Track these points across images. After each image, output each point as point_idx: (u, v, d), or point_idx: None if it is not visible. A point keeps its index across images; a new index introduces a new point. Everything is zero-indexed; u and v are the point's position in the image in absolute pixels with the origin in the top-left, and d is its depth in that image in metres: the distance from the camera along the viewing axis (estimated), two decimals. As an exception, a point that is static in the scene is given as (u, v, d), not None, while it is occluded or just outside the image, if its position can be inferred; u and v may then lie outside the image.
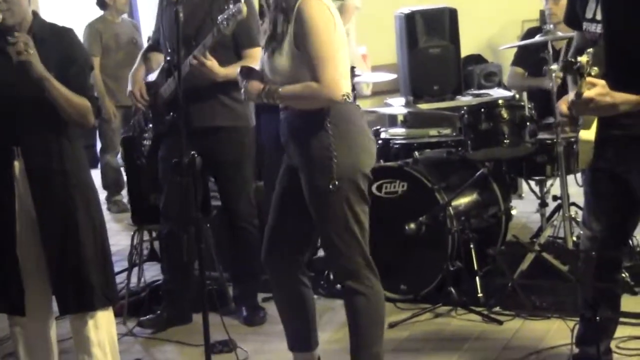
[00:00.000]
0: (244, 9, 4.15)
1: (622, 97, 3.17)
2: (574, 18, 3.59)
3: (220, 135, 4.73)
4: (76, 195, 3.89)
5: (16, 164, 3.84)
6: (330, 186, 3.61)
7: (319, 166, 3.63)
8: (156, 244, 5.97)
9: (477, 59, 8.93)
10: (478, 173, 5.22)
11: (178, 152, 3.69)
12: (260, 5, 5.50)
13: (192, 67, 4.51)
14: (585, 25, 3.48)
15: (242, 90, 3.76)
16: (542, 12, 8.81)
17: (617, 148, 3.43)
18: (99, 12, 8.05)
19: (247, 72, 3.77)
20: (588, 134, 3.35)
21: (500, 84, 7.75)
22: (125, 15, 8.43)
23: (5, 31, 3.71)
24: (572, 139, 5.21)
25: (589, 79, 3.06)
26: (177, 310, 5.02)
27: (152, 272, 5.88)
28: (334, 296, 5.20)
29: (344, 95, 3.62)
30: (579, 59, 3.01)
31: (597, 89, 3.11)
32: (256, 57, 4.46)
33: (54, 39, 3.83)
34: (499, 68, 8.47)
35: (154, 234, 5.80)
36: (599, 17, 3.39)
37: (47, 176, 3.86)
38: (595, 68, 3.04)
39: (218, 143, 4.74)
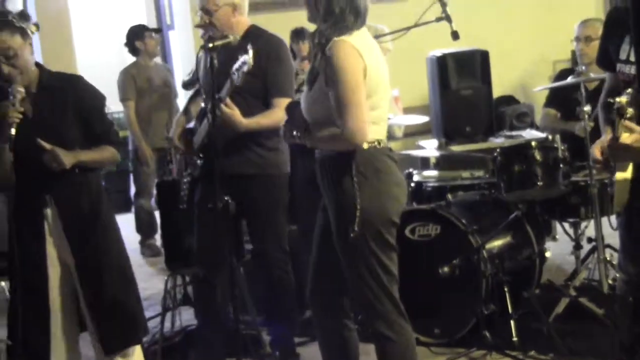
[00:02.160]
0: (250, 60, 4.15)
1: None
2: (606, 59, 3.58)
3: (251, 182, 4.70)
4: (107, 235, 3.96)
5: (48, 211, 3.90)
6: (352, 233, 3.60)
7: (343, 211, 3.65)
8: (190, 288, 5.97)
9: (509, 100, 8.94)
10: (512, 216, 5.19)
11: (211, 197, 3.70)
12: (291, 49, 5.55)
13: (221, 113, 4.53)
14: (619, 66, 3.48)
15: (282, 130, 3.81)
16: (573, 53, 8.81)
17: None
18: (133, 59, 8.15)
19: (292, 108, 3.80)
20: (624, 175, 3.33)
21: (532, 125, 7.72)
22: (158, 59, 8.52)
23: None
24: (606, 181, 5.18)
25: (626, 122, 3.03)
26: (211, 355, 5.00)
27: (186, 316, 5.87)
28: (368, 340, 5.15)
29: (372, 141, 3.63)
30: (618, 99, 2.99)
31: (635, 135, 3.08)
32: (283, 108, 4.45)
33: (66, 87, 3.93)
34: (530, 109, 8.46)
35: (187, 279, 5.81)
36: (633, 58, 3.38)
37: (80, 220, 3.93)
38: (631, 109, 3.03)
39: (250, 190, 4.72)
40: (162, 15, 11.01)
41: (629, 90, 3.04)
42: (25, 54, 3.89)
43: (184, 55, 9.92)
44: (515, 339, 4.91)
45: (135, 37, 8.05)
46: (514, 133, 6.88)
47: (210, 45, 3.98)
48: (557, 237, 6.68)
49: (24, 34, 3.92)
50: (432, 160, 6.47)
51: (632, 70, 3.40)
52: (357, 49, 3.58)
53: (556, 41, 9.89)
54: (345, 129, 3.56)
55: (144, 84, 7.98)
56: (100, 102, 4.06)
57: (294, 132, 3.76)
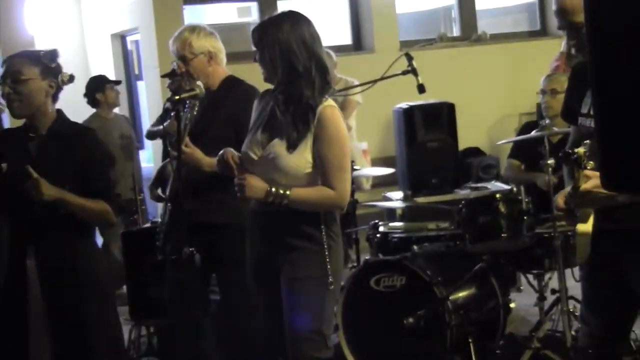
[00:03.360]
0: (188, 113, 4.19)
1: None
2: (570, 112, 3.64)
3: (220, 232, 4.67)
4: (87, 294, 3.89)
5: (28, 262, 3.86)
6: (330, 287, 3.66)
7: (314, 264, 3.69)
8: (155, 339, 5.93)
9: (475, 152, 9.01)
10: (477, 267, 5.22)
11: (179, 247, 3.69)
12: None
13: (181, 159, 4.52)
14: (580, 120, 3.53)
15: (239, 186, 3.70)
16: (538, 105, 8.93)
17: (613, 242, 3.44)
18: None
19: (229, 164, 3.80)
20: (585, 227, 3.37)
21: (498, 177, 7.79)
22: (117, 109, 8.50)
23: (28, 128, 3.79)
24: (569, 233, 5.22)
25: (586, 171, 3.09)
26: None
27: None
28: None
29: None
30: (576, 150, 3.05)
31: (593, 181, 3.13)
32: None
33: (74, 139, 3.90)
34: (496, 161, 8.53)
35: (151, 329, 5.78)
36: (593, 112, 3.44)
37: (57, 275, 3.86)
38: (592, 162, 3.08)
39: (218, 240, 4.71)
40: (130, 65, 11.04)
41: (587, 141, 3.09)
42: (36, 89, 3.85)
43: (151, 105, 9.95)
44: (480, 390, 4.92)
45: (96, 88, 7.99)
46: (479, 185, 6.98)
47: (177, 97, 4.00)
48: (521, 288, 6.73)
49: (46, 72, 3.90)
50: (398, 212, 6.50)
51: (592, 124, 3.45)
52: (341, 114, 3.68)
53: (522, 94, 10.02)
54: (338, 193, 3.66)
55: (105, 137, 7.91)
56: (105, 161, 4.04)
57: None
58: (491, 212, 5.21)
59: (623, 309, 3.61)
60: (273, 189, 3.64)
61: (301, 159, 3.65)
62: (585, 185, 3.13)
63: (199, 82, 4.33)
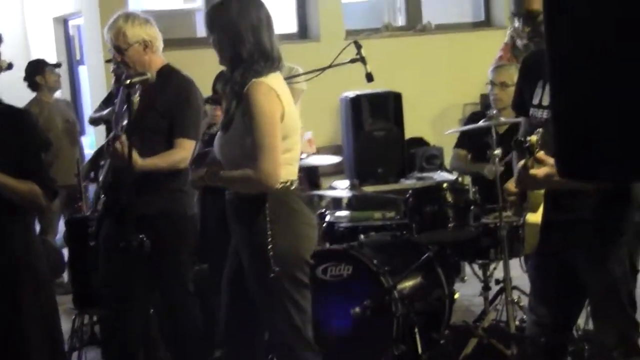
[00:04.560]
0: (135, 100, 4.15)
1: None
2: (521, 104, 3.64)
3: (154, 222, 4.48)
4: (23, 280, 3.81)
5: None
6: (271, 274, 3.60)
7: (257, 252, 3.64)
8: (97, 327, 5.86)
9: (419, 141, 9.02)
10: (424, 257, 5.23)
11: (119, 235, 3.61)
12: (215, 91, 5.52)
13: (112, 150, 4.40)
14: (531, 110, 3.54)
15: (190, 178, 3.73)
16: (482, 96, 8.99)
17: (562, 232, 3.46)
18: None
19: (200, 159, 3.79)
20: (535, 217, 3.38)
21: (441, 167, 7.81)
22: (58, 93, 8.37)
23: None
24: (515, 223, 5.26)
25: (539, 155, 3.08)
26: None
27: (92, 355, 5.75)
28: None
29: (285, 182, 3.64)
30: (529, 138, 3.05)
31: (545, 169, 3.12)
32: (185, 148, 4.48)
33: (7, 121, 3.81)
34: (440, 151, 8.55)
35: (94, 318, 5.70)
36: (545, 102, 3.45)
37: None
38: (542, 151, 3.08)
39: (153, 230, 4.60)
40: (72, 49, 10.89)
41: (539, 130, 3.10)
42: None
43: (93, 90, 9.82)
44: (425, 379, 4.93)
45: (35, 71, 7.85)
46: (424, 175, 6.99)
47: (128, 81, 3.92)
48: (465, 278, 6.78)
49: None
50: (345, 201, 6.48)
51: (543, 114, 3.46)
52: (275, 91, 3.60)
53: (466, 84, 10.07)
54: (259, 172, 3.59)
55: (47, 124, 7.79)
56: (39, 143, 3.95)
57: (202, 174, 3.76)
58: (438, 202, 5.21)
59: (571, 298, 3.64)
60: (208, 171, 3.71)
61: (232, 139, 3.64)
62: (538, 172, 3.13)
63: None
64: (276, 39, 3.75)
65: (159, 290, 4.85)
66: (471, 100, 10.08)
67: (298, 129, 3.79)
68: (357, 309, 4.98)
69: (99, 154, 4.87)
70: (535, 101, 3.51)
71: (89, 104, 9.82)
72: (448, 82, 10.03)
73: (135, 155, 4.30)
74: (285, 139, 3.64)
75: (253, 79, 3.59)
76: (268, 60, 3.64)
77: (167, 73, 4.63)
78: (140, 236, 3.52)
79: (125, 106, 4.08)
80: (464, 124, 6.24)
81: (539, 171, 3.11)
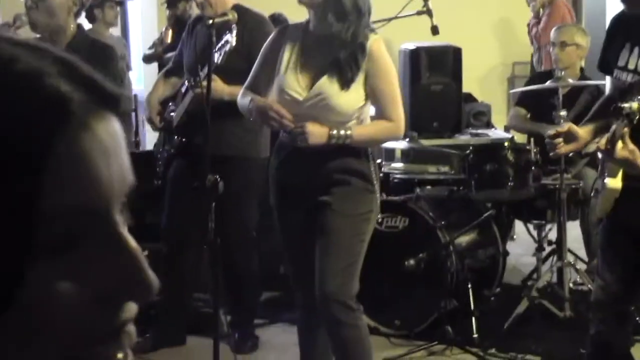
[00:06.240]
0: (233, 40, 4.09)
1: None
2: (605, 63, 3.60)
3: (226, 164, 4.46)
4: None
5: None
6: (371, 219, 3.69)
7: (360, 194, 3.65)
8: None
9: (467, 97, 8.94)
10: (485, 215, 5.21)
11: (187, 175, 3.56)
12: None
13: (197, 93, 4.44)
14: (616, 72, 3.49)
15: (300, 134, 3.57)
16: (532, 56, 8.91)
17: (637, 200, 3.42)
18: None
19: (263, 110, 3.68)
20: (615, 183, 3.35)
21: (489, 125, 7.74)
22: (114, 30, 8.36)
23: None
24: (573, 186, 5.23)
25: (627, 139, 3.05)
26: (171, 331, 4.95)
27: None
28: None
29: None
30: (628, 104, 3.00)
31: (627, 152, 3.09)
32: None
33: (89, 54, 3.82)
34: (488, 108, 8.48)
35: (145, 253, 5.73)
36: (631, 66, 3.40)
37: None
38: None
39: (223, 171, 4.61)
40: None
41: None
42: (59, 4, 3.80)
43: (145, 28, 9.80)
44: (475, 335, 4.93)
45: (96, 4, 7.86)
46: (479, 131, 6.93)
47: (211, 21, 3.90)
48: (514, 237, 6.76)
49: None
50: (397, 153, 6.44)
51: (628, 77, 3.42)
52: None
53: (516, 44, 9.98)
54: (399, 122, 3.68)
55: None
56: (117, 79, 4.00)
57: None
58: (498, 160, 5.18)
59: (638, 266, 3.62)
60: (335, 131, 3.56)
61: (355, 96, 3.59)
62: (624, 153, 3.09)
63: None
64: None
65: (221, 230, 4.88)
66: (521, 59, 10.00)
67: None
68: (412, 262, 4.98)
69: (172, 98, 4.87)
70: (621, 63, 3.46)
71: (140, 41, 9.81)
72: (499, 39, 9.95)
73: (220, 85, 4.35)
74: None
75: (371, 34, 3.61)
76: (370, 11, 3.64)
77: (240, 12, 4.59)
78: (215, 176, 3.51)
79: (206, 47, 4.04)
80: (527, 82, 6.14)
81: (625, 153, 3.07)
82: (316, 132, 3.54)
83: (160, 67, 7.57)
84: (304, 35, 3.70)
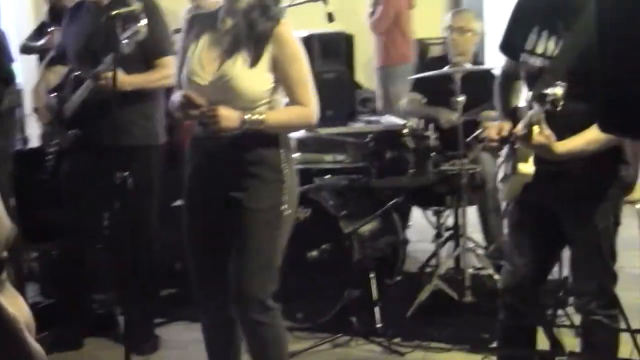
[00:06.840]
0: (143, 30, 4.00)
1: (564, 148, 3.19)
2: (510, 46, 3.56)
3: (128, 154, 4.34)
4: None
5: None
6: (284, 211, 3.55)
7: (271, 187, 3.52)
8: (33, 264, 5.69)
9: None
10: (391, 202, 5.17)
11: (83, 169, 3.40)
12: None
13: (100, 84, 4.30)
14: (523, 56, 3.45)
15: (211, 118, 3.42)
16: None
17: (550, 183, 3.41)
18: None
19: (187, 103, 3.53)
20: (527, 168, 3.33)
21: (375, 111, 7.72)
22: None
23: None
24: (471, 171, 5.23)
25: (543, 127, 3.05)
26: (67, 334, 4.75)
27: (29, 293, 5.56)
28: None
29: None
30: (553, 91, 2.97)
31: (543, 138, 3.10)
32: (168, 66, 4.41)
33: None
34: (373, 95, 8.48)
35: (32, 255, 5.53)
36: (539, 50, 3.38)
37: None
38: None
39: (126, 163, 4.47)
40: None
41: (562, 83, 3.01)
42: None
43: (19, 18, 9.46)
44: (379, 325, 4.89)
45: None
46: (372, 118, 6.89)
47: (113, 12, 3.75)
48: (410, 224, 6.75)
49: None
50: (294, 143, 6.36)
51: (537, 62, 3.39)
52: None
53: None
54: (312, 107, 3.56)
55: None
56: None
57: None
58: (398, 147, 5.14)
59: (549, 247, 3.63)
60: (247, 116, 3.42)
61: (261, 78, 3.47)
62: (541, 139, 3.11)
63: None
64: None
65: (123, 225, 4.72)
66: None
67: None
68: (315, 253, 4.91)
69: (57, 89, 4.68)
70: (529, 47, 3.42)
71: (15, 32, 9.44)
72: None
73: (122, 76, 4.19)
74: None
75: (279, 18, 3.49)
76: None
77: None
78: (125, 174, 3.36)
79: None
80: (423, 68, 6.11)
81: (539, 136, 3.08)
82: (228, 115, 3.40)
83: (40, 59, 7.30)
84: (213, 23, 3.58)
